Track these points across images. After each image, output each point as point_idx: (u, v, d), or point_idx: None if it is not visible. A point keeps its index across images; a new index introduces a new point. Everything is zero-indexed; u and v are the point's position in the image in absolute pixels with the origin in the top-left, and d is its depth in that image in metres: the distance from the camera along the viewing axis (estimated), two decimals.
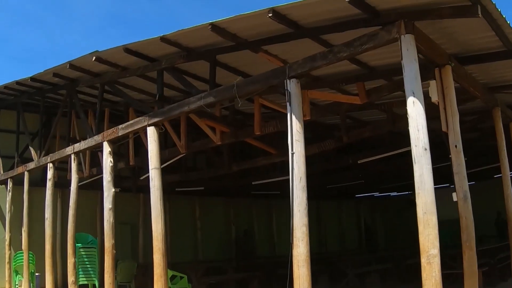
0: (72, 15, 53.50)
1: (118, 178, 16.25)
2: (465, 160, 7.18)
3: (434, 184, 5.83)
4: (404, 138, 15.71)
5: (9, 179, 15.40)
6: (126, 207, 18.77)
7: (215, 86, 9.17)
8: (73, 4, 53.06)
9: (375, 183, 22.86)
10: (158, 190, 9.40)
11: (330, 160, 15.38)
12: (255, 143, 12.59)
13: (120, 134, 10.69)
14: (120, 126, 10.69)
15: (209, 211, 21.31)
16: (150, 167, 9.51)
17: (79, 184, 15.75)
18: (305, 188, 6.94)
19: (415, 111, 5.97)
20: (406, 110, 6.11)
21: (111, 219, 10.54)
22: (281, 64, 9.39)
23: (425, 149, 5.82)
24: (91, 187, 17.11)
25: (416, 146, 5.87)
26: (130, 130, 10.41)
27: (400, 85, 10.40)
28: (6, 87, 14.39)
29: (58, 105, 15.90)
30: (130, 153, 13.88)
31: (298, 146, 7.17)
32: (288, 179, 7.18)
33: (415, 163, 5.81)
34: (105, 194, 10.63)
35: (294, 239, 6.72)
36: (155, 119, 9.74)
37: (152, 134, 9.71)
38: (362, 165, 15.79)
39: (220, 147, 14.36)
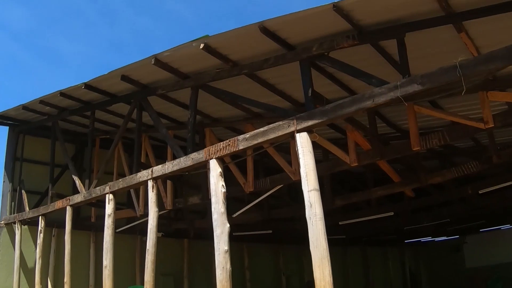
0: (63, 62, 51.08)
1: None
2: None
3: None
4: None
5: (40, 217, 12.21)
6: (168, 255, 15.64)
7: (407, 71, 6.52)
8: (64, 51, 50.57)
9: (461, 221, 20.10)
10: (321, 220, 6.51)
11: (446, 190, 12.71)
12: (384, 167, 9.87)
13: (240, 148, 7.83)
14: (241, 137, 7.84)
15: (257, 259, 18.23)
16: (306, 189, 6.67)
17: (120, 229, 13.01)
18: None
19: None
20: None
21: (228, 265, 7.56)
22: (475, 53, 7.08)
23: None
24: (129, 230, 14.13)
25: None
26: (261, 140, 7.55)
27: None
28: (42, 101, 11.41)
29: (96, 130, 13.00)
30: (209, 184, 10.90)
31: None
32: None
33: None
34: (218, 231, 7.67)
35: None
36: (309, 122, 6.98)
37: (305, 143, 6.93)
38: (465, 198, 13.29)
39: None
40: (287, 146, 11.00)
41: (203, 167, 8.84)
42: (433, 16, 6.65)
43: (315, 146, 9.07)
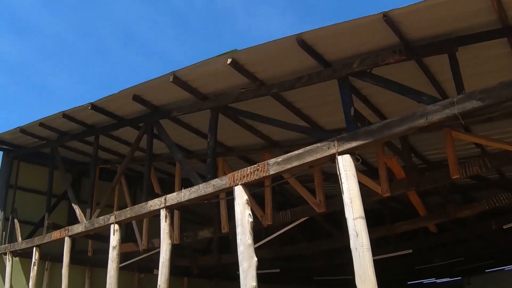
0: (54, 97, 50.46)
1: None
2: None
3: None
4: None
5: (34, 248, 11.27)
6: None
7: (462, 87, 5.94)
8: (55, 86, 49.90)
9: (472, 260, 19.14)
10: (369, 251, 5.84)
11: (468, 226, 12.08)
12: (414, 199, 9.26)
13: (271, 173, 7.13)
14: (272, 161, 7.16)
15: None
16: (351, 217, 6.02)
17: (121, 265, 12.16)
18: None
19: None
20: None
21: None
22: None
23: None
24: (126, 266, 13.14)
25: None
26: (296, 164, 6.86)
27: None
28: (42, 123, 10.66)
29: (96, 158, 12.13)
30: (222, 216, 10.20)
31: None
32: None
33: None
34: (244, 265, 6.91)
35: None
36: (352, 144, 6.35)
37: (349, 166, 6.28)
38: (484, 234, 12.62)
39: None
40: (304, 178, 10.37)
41: (216, 197, 8.19)
42: (488, 29, 6.16)
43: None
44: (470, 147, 9.81)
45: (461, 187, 11.98)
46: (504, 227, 11.31)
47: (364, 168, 10.60)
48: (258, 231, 10.23)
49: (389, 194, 8.36)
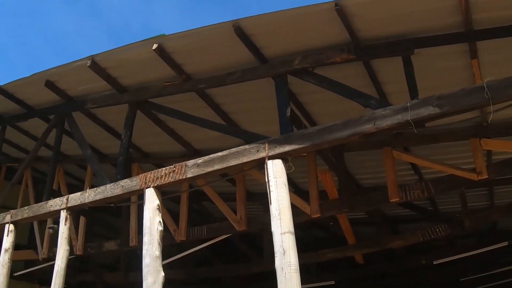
0: None
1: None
2: None
3: None
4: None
5: None
6: None
7: (416, 93, 5.32)
8: None
9: None
10: (297, 272, 4.94)
11: (396, 260, 11.45)
12: (343, 224, 8.54)
13: (188, 176, 6.19)
14: (191, 162, 6.22)
15: None
16: (278, 231, 5.13)
17: (17, 273, 10.82)
18: None
19: None
20: None
21: None
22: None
23: None
24: (26, 277, 11.76)
25: None
26: (218, 167, 5.94)
27: None
28: None
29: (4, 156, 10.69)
30: (131, 227, 9.13)
31: None
32: None
33: None
34: (149, 280, 5.91)
35: None
36: (285, 148, 5.52)
37: (279, 173, 5.44)
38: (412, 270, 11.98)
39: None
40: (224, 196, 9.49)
41: (127, 200, 7.18)
42: (449, 32, 5.56)
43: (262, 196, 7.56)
44: (406, 173, 9.21)
45: (390, 219, 11.41)
46: (435, 262, 10.75)
47: (292, 190, 9.81)
48: (169, 247, 9.25)
49: (319, 215, 7.56)
